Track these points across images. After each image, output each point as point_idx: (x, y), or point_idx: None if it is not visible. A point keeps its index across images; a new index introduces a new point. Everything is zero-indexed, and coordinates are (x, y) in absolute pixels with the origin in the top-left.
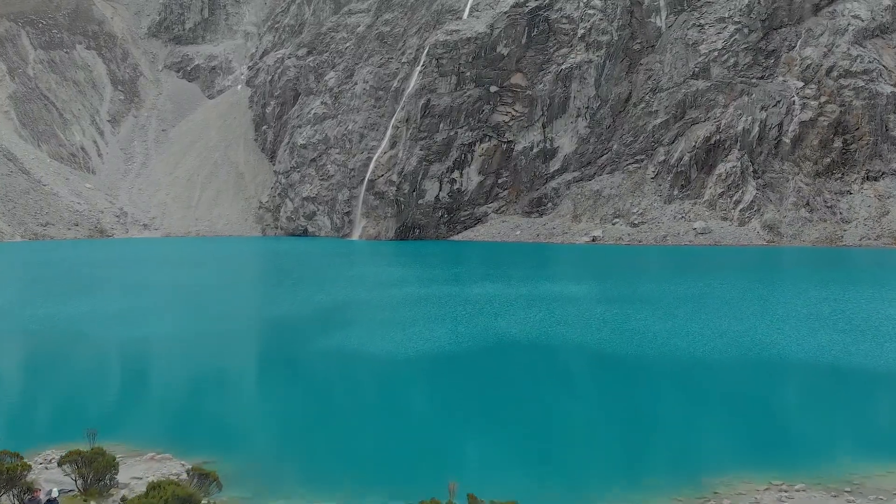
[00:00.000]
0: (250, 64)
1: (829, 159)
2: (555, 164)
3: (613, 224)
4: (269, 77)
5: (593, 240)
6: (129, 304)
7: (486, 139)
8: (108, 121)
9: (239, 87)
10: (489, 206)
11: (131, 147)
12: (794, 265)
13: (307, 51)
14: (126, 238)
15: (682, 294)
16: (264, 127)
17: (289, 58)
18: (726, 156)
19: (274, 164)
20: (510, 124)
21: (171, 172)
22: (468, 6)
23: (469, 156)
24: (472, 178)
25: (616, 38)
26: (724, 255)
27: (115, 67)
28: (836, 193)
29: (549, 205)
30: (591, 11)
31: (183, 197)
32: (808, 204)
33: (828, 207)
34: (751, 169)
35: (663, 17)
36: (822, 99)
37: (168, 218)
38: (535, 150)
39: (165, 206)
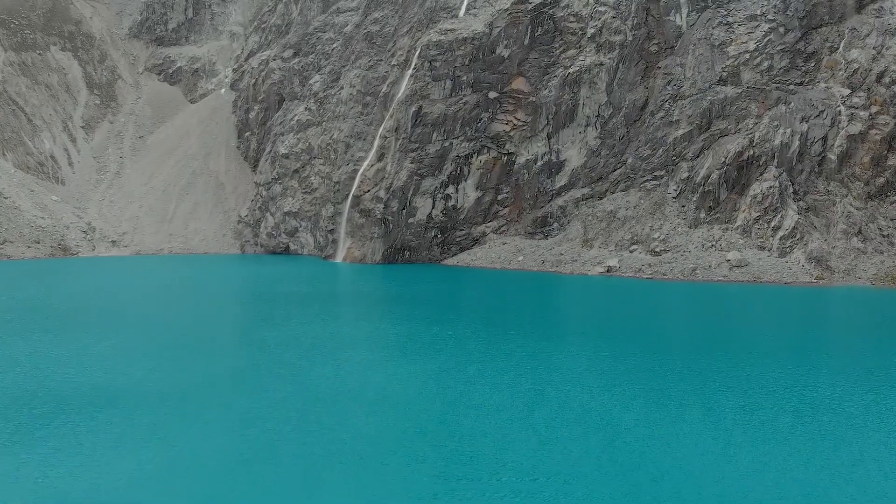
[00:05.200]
0: (235, 66)
1: (882, 179)
2: (561, 180)
3: (631, 251)
4: (253, 80)
5: (608, 270)
6: None
7: (485, 151)
8: (82, 126)
9: (222, 90)
10: (487, 225)
11: (105, 155)
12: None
13: (293, 52)
14: (91, 257)
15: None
16: (247, 133)
17: (273, 60)
18: (761, 174)
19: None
20: (511, 134)
21: (146, 183)
22: (465, 3)
23: (465, 169)
24: (468, 195)
25: (630, 39)
26: (778, 298)
27: (92, 70)
28: (892, 220)
29: (556, 225)
30: (602, 9)
31: (157, 210)
32: (860, 232)
33: (884, 237)
34: (790, 190)
35: (684, 15)
36: (873, 109)
37: (139, 233)
38: (538, 164)
39: (138, 220)
